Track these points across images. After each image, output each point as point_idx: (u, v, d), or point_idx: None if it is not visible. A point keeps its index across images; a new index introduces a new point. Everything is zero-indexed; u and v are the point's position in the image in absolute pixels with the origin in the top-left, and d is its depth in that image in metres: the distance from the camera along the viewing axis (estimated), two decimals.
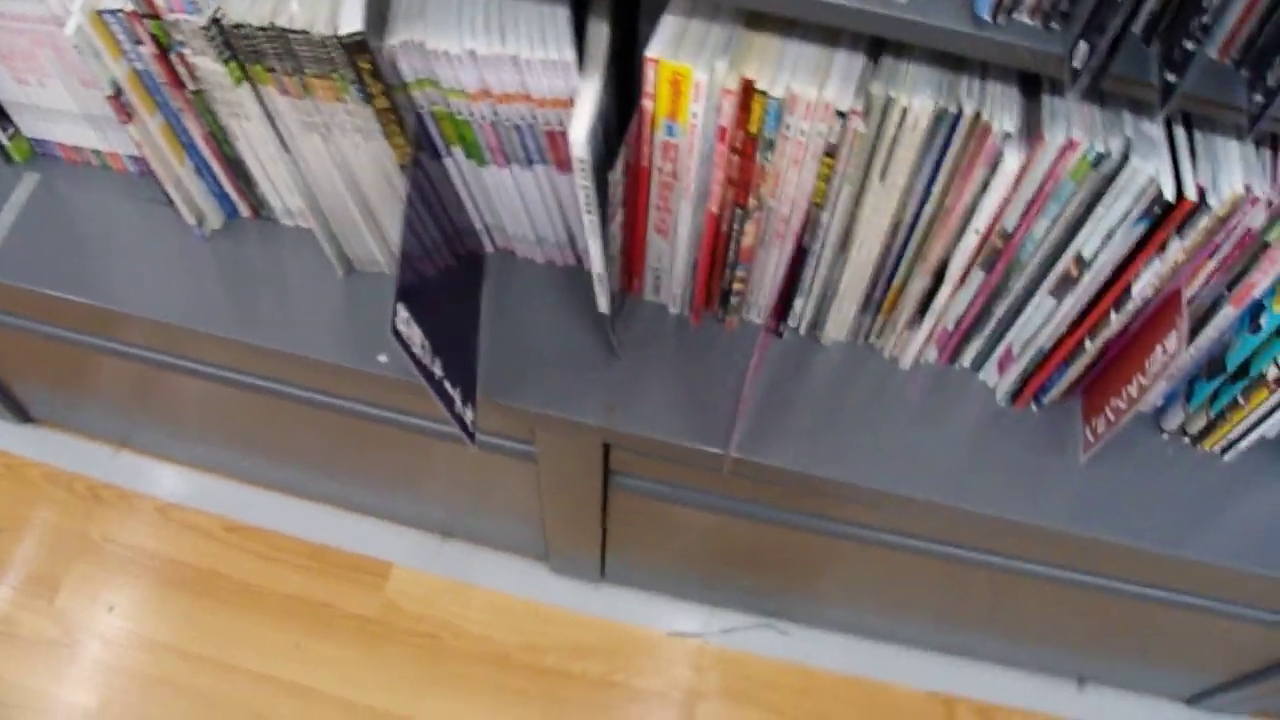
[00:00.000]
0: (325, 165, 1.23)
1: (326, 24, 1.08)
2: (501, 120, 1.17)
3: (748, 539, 1.59)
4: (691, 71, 1.04)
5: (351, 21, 1.08)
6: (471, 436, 1.22)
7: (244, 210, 1.44)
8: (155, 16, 1.15)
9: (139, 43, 1.19)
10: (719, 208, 1.19)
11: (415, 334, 1.13)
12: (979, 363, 1.37)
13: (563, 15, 1.10)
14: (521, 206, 1.30)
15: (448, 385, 1.19)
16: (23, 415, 1.96)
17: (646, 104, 1.08)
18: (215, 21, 1.10)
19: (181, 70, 1.22)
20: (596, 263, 1.20)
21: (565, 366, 1.33)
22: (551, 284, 1.40)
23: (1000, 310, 1.25)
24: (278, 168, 1.32)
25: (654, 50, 1.03)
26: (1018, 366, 1.31)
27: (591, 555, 1.80)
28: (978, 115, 1.03)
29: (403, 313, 1.11)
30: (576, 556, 1.85)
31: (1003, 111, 1.04)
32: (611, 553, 1.77)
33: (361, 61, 1.10)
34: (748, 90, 1.05)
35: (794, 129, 1.07)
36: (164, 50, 1.19)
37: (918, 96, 1.03)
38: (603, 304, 1.27)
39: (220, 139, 1.31)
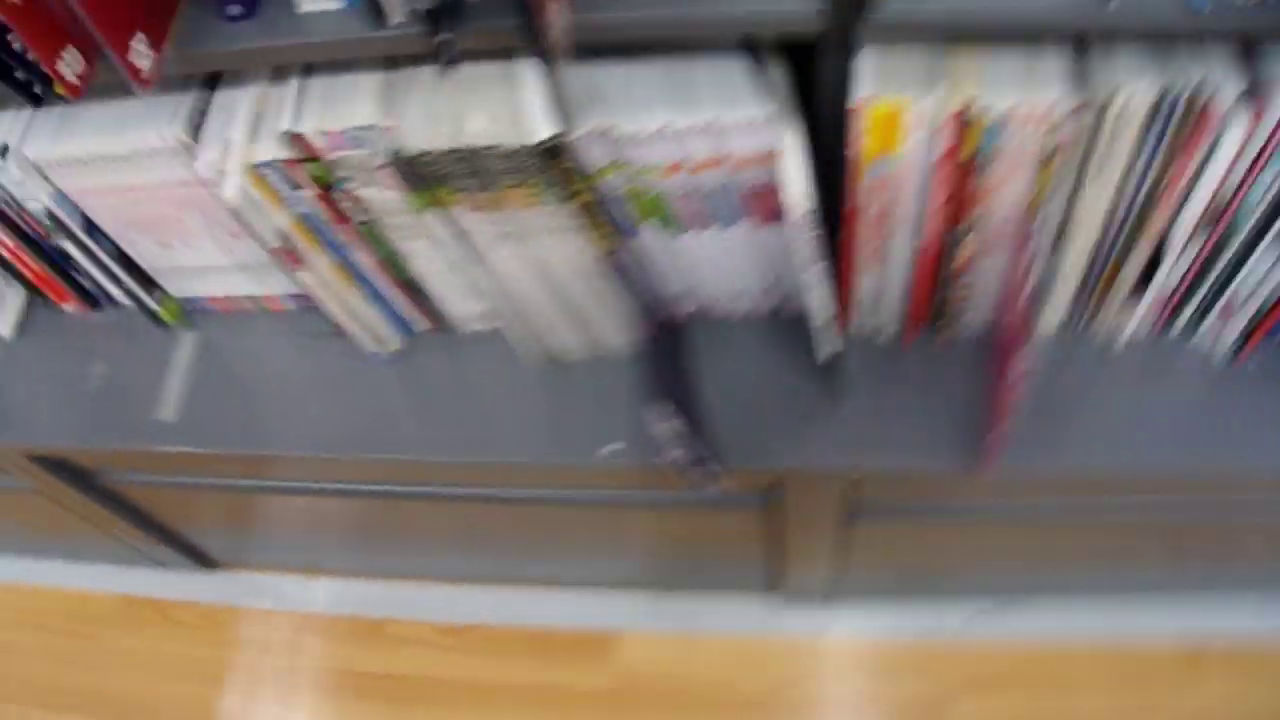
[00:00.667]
0: (520, 270, 1.21)
1: (516, 133, 1.04)
2: (697, 188, 1.13)
3: (991, 536, 1.56)
4: (908, 104, 0.99)
5: (542, 127, 1.04)
6: (720, 499, 1.20)
7: (422, 325, 1.40)
8: (314, 159, 1.12)
9: (299, 188, 1.16)
10: (935, 231, 1.14)
11: (668, 422, 1.11)
12: (1192, 327, 1.32)
13: (742, 68, 1.06)
14: (721, 266, 1.26)
15: (698, 458, 1.17)
16: (207, 562, 1.94)
17: (856, 146, 1.03)
18: (395, 155, 1.06)
19: (347, 205, 1.18)
20: (821, 311, 1.17)
21: (795, 416, 1.30)
22: (755, 335, 1.36)
23: (1218, 270, 1.19)
24: (462, 279, 1.30)
25: (864, 90, 0.98)
26: (1236, 324, 1.26)
27: (821, 581, 1.77)
28: (1197, 91, 0.97)
29: (657, 407, 1.10)
30: (804, 585, 1.81)
31: (1223, 82, 0.97)
32: (840, 573, 1.73)
33: (559, 162, 1.06)
34: (965, 111, 1.00)
35: (1013, 140, 1.02)
36: (327, 190, 1.16)
37: (1136, 84, 0.98)
38: (826, 349, 1.23)
39: (394, 263, 1.27)
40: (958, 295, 1.25)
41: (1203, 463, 1.26)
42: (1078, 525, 1.49)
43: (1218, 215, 1.11)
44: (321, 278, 1.25)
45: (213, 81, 1.19)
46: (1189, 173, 1.05)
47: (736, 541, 1.63)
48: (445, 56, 0.97)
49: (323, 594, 1.95)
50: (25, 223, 1.33)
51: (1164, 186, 1.08)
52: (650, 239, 1.21)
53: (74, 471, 1.55)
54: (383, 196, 1.15)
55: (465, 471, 1.39)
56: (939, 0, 0.93)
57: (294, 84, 1.12)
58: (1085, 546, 1.63)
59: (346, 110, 1.10)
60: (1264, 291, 1.20)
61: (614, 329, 1.30)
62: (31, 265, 1.39)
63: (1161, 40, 0.98)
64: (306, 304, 1.41)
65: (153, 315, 1.43)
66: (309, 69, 1.15)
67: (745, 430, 1.28)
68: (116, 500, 1.66)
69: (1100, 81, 0.99)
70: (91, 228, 1.31)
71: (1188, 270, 1.21)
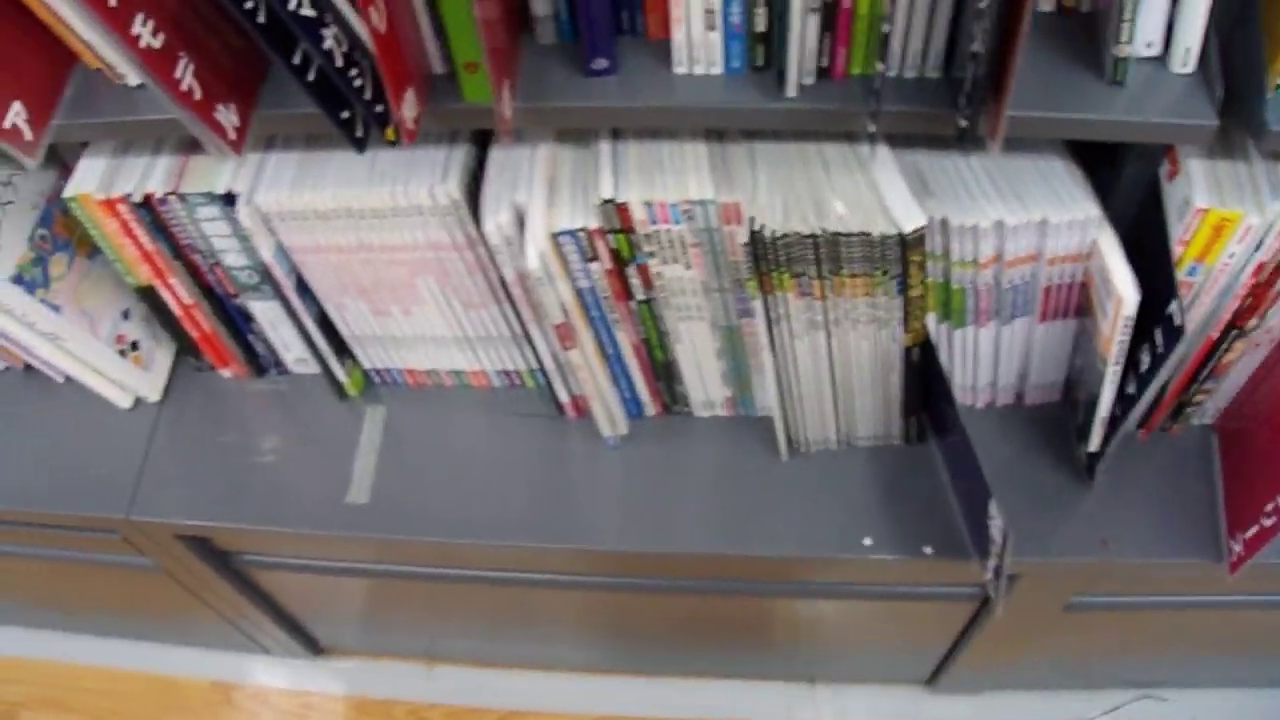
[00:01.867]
0: (814, 358, 1.15)
1: (885, 222, 0.99)
2: (1002, 283, 1.09)
3: (1184, 624, 1.52)
4: (1242, 216, 0.97)
5: (912, 216, 0.99)
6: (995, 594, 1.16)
7: (652, 409, 1.32)
8: (626, 231, 1.04)
9: (593, 259, 1.08)
10: (1217, 333, 1.12)
11: (997, 521, 1.08)
12: None
13: (1065, 169, 1.06)
14: (988, 359, 1.23)
15: (1000, 564, 1.12)
16: (315, 648, 1.79)
17: (1176, 250, 1.01)
18: (755, 234, 0.99)
19: (635, 282, 1.11)
20: (1106, 406, 1.14)
21: (1039, 507, 1.26)
22: (996, 425, 1.31)
23: None
24: (726, 364, 1.25)
25: (1201, 200, 0.97)
26: None
27: (990, 672, 1.71)
28: None
29: (991, 506, 1.08)
30: (969, 676, 1.74)
31: None
32: (1013, 663, 1.69)
33: (914, 255, 1.01)
34: None
35: None
36: (621, 264, 1.09)
37: None
38: (1095, 442, 1.19)
39: (656, 345, 1.20)
40: (1204, 390, 1.22)
41: None
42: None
43: None
44: (585, 357, 1.14)
45: (484, 138, 1.09)
46: None
47: (928, 634, 1.58)
48: (874, 136, 0.93)
49: (447, 683, 1.85)
50: (215, 277, 1.19)
51: None
52: (932, 331, 1.16)
53: (213, 552, 1.39)
54: (682, 275, 1.09)
55: (679, 563, 1.30)
56: None
57: (605, 148, 1.01)
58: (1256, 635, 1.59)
59: (676, 182, 1.02)
60: None
61: (874, 421, 1.25)
62: (202, 323, 1.26)
63: None
64: (514, 382, 1.34)
65: (337, 386, 1.29)
66: (616, 132, 1.06)
67: (982, 519, 1.19)
68: (245, 582, 1.51)
69: None
70: (303, 287, 1.15)
71: None
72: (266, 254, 1.12)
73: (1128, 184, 1.05)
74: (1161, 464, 1.28)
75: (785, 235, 0.98)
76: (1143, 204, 1.06)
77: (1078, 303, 1.12)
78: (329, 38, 0.83)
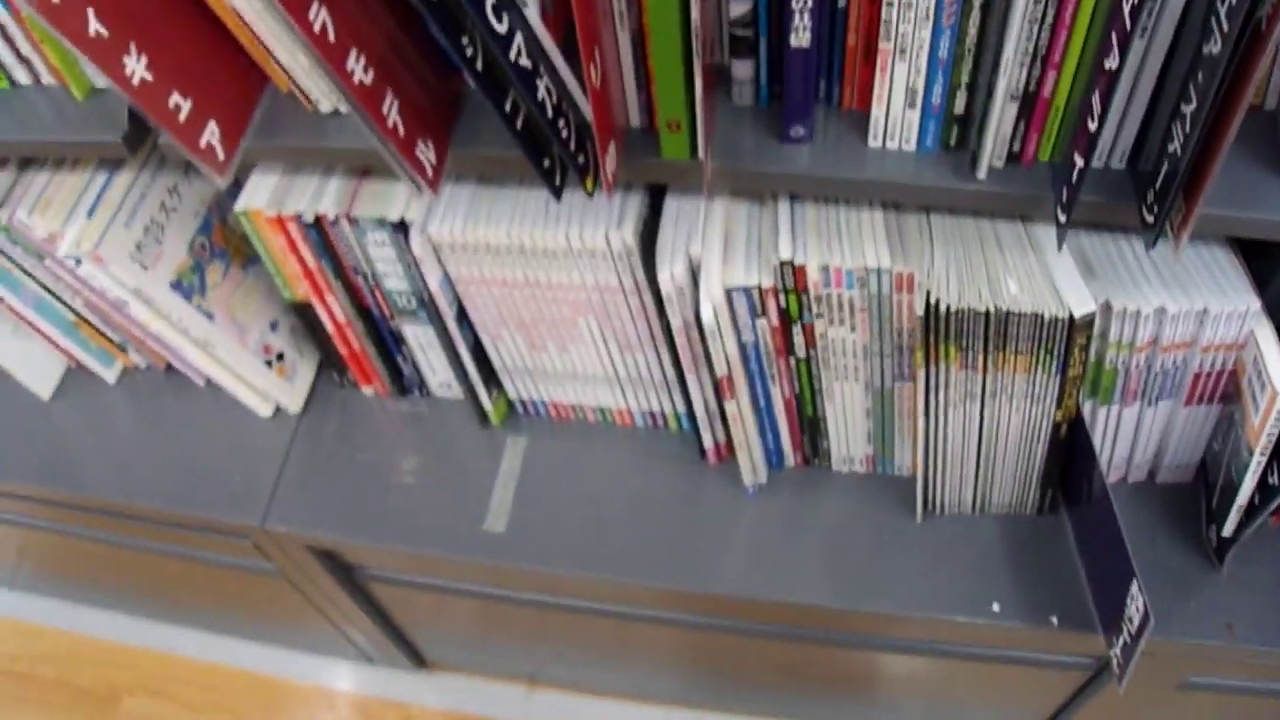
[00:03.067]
0: (965, 427, 1.16)
1: (1056, 305, 1.01)
2: (1154, 367, 1.11)
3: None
4: None
5: (1084, 302, 1.01)
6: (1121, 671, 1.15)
7: (792, 460, 1.33)
8: (799, 292, 1.07)
9: (760, 315, 1.10)
10: None
11: (1138, 602, 1.09)
12: None
13: (1227, 258, 1.07)
14: (1127, 437, 1.24)
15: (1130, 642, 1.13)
16: (420, 661, 1.78)
17: None
18: (931, 307, 1.01)
19: (799, 340, 1.13)
20: (1245, 493, 1.14)
21: (1167, 584, 1.26)
22: (1127, 501, 1.31)
23: None
24: (873, 425, 1.26)
25: None
26: None
27: None
28: None
29: (1134, 585, 1.08)
30: None
31: None
32: None
33: (1080, 338, 1.03)
34: None
35: None
36: (788, 322, 1.11)
37: None
38: (1229, 528, 1.20)
39: (806, 400, 1.22)
40: None
41: None
42: None
43: None
44: (740, 408, 1.16)
45: (657, 187, 1.12)
46: None
47: (1035, 700, 1.57)
48: (1062, 226, 0.93)
49: (542, 705, 1.88)
50: (374, 299, 1.21)
51: None
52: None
53: (339, 565, 1.41)
54: (846, 337, 1.11)
55: (801, 613, 1.31)
56: None
57: (784, 208, 1.03)
58: None
59: (853, 248, 1.04)
60: None
61: (1010, 491, 1.26)
62: (353, 342, 1.28)
63: None
64: (658, 423, 1.37)
65: (480, 412, 1.31)
66: (793, 193, 1.09)
67: (1117, 596, 1.20)
68: (364, 595, 1.53)
69: None
70: (462, 317, 1.18)
71: None
72: (433, 283, 1.14)
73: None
74: None
75: (959, 310, 1.00)
76: None
77: (1225, 389, 1.13)
78: (542, 88, 0.85)
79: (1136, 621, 1.07)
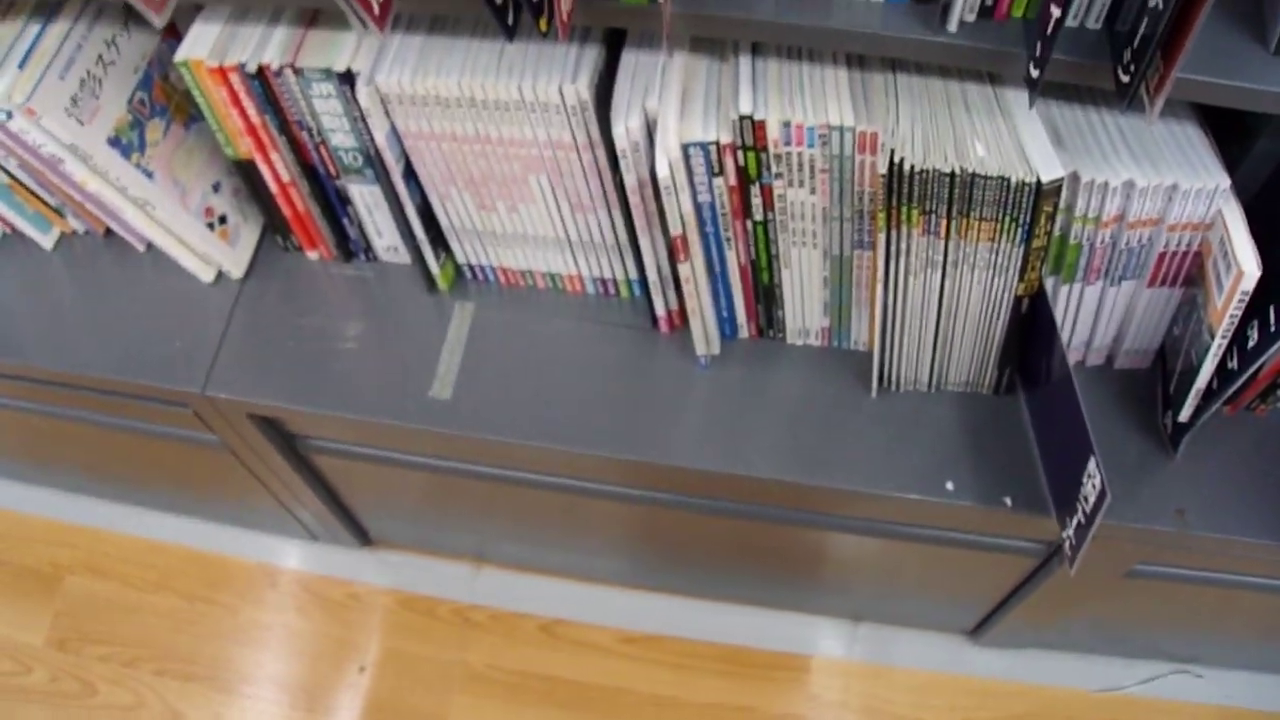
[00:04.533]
0: (925, 297, 1.13)
1: (1023, 169, 0.98)
2: (1119, 243, 1.09)
3: (1231, 601, 1.50)
4: None
5: (1052, 167, 0.98)
6: (1073, 552, 1.15)
7: (747, 331, 1.30)
8: (758, 149, 1.03)
9: (718, 174, 1.06)
10: None
11: (1094, 479, 1.08)
12: None
13: (1198, 136, 1.05)
14: (1088, 318, 1.22)
15: (1082, 526, 1.12)
16: (365, 539, 1.77)
17: None
18: (895, 166, 0.98)
19: (756, 201, 1.09)
20: (1204, 377, 1.13)
21: (1122, 471, 1.24)
22: (1083, 385, 1.23)
23: None
24: (827, 295, 1.23)
25: None
26: None
27: (1034, 629, 1.71)
28: None
29: (1090, 462, 1.07)
30: (1012, 632, 1.75)
31: None
32: (1053, 624, 1.70)
33: (1046, 206, 1.00)
34: None
35: None
36: (746, 182, 1.07)
37: None
38: (1186, 412, 1.19)
39: (762, 267, 1.19)
40: None
41: None
42: None
43: None
44: (694, 272, 1.13)
45: (614, 39, 1.08)
46: None
47: (983, 585, 1.58)
48: (1033, 83, 0.90)
49: (491, 585, 1.85)
50: (319, 156, 1.18)
51: None
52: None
53: (281, 434, 1.39)
54: (805, 199, 1.07)
55: (751, 486, 1.29)
56: None
57: (745, 62, 1.00)
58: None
59: (815, 105, 1.01)
60: None
61: (968, 368, 1.24)
62: (297, 202, 1.25)
63: None
64: (608, 290, 1.33)
65: (427, 277, 1.28)
66: (755, 47, 1.05)
67: (1072, 475, 1.19)
68: (308, 467, 1.52)
69: None
70: (409, 174, 1.15)
71: None
72: (380, 137, 1.11)
73: (1258, 158, 1.05)
74: (1245, 442, 1.28)
75: (924, 170, 0.97)
76: (1269, 180, 1.06)
77: (1188, 271, 1.11)
78: None
79: (1092, 500, 1.06)
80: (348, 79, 1.08)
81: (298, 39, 1.11)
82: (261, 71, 1.10)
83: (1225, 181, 1.01)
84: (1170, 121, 1.05)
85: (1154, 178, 1.01)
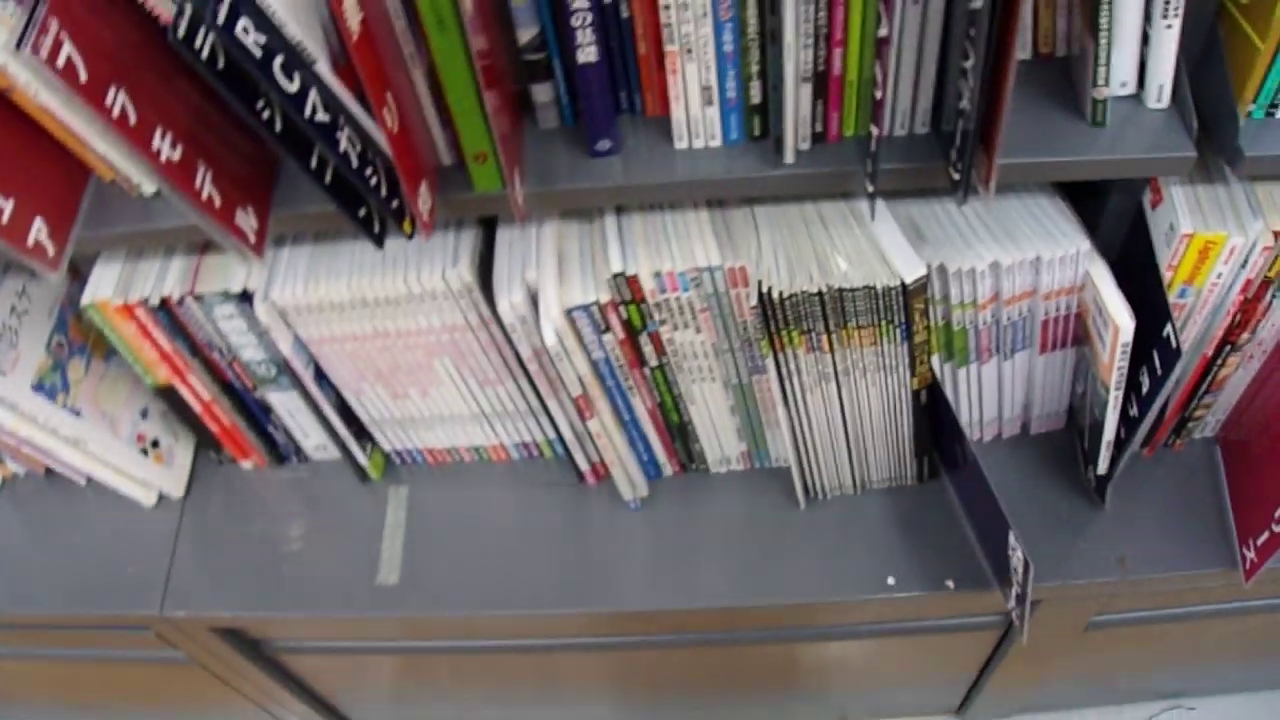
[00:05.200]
0: (827, 408, 1.17)
1: (886, 275, 1.02)
2: (1002, 320, 1.13)
3: (1196, 632, 1.54)
4: (1226, 238, 1.01)
5: (914, 267, 1.02)
6: (1020, 621, 1.18)
7: (670, 469, 1.34)
8: (638, 302, 1.07)
9: (605, 331, 1.10)
10: (1212, 350, 1.16)
11: (1018, 553, 1.10)
12: None
13: (1053, 205, 1.09)
14: (992, 393, 1.26)
15: (1023, 592, 1.14)
16: None
17: (1165, 275, 1.04)
18: (763, 296, 1.02)
19: (648, 350, 1.14)
20: (1110, 429, 1.17)
21: (1055, 531, 1.28)
22: (1005, 456, 1.35)
23: None
24: (740, 421, 1.27)
25: (1186, 226, 1.00)
26: None
27: (1018, 694, 1.73)
28: None
29: (1012, 537, 1.10)
30: (997, 703, 1.76)
31: None
32: (1038, 686, 1.71)
33: (917, 303, 1.04)
34: (1275, 240, 1.01)
35: None
36: (634, 333, 1.11)
37: None
38: (1103, 465, 1.21)
39: (669, 408, 1.22)
40: (1204, 405, 1.26)
41: None
42: None
43: None
44: (604, 425, 1.15)
45: (489, 218, 1.13)
46: None
47: (955, 663, 1.60)
48: (872, 195, 0.95)
49: None
50: (234, 372, 1.22)
51: None
52: (937, 371, 1.19)
53: (246, 642, 1.41)
54: (693, 339, 1.11)
55: (705, 617, 1.32)
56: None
57: (611, 222, 1.04)
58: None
59: (682, 250, 1.05)
60: None
61: (887, 464, 1.28)
62: (222, 418, 1.28)
63: None
64: (532, 453, 1.37)
65: (358, 469, 1.31)
66: (620, 205, 1.10)
67: (1002, 551, 1.22)
68: (277, 668, 1.53)
69: None
70: (321, 377, 1.18)
71: None
72: (285, 348, 1.14)
73: (1113, 214, 1.09)
74: (1169, 479, 1.31)
75: (793, 295, 1.01)
76: (1129, 232, 1.10)
77: (1075, 332, 1.15)
78: (344, 140, 0.85)
79: (1021, 571, 1.09)
80: (246, 298, 1.11)
81: (194, 266, 1.15)
82: (165, 303, 1.14)
83: (1085, 244, 1.05)
84: (1024, 196, 1.09)
85: (1017, 254, 1.05)
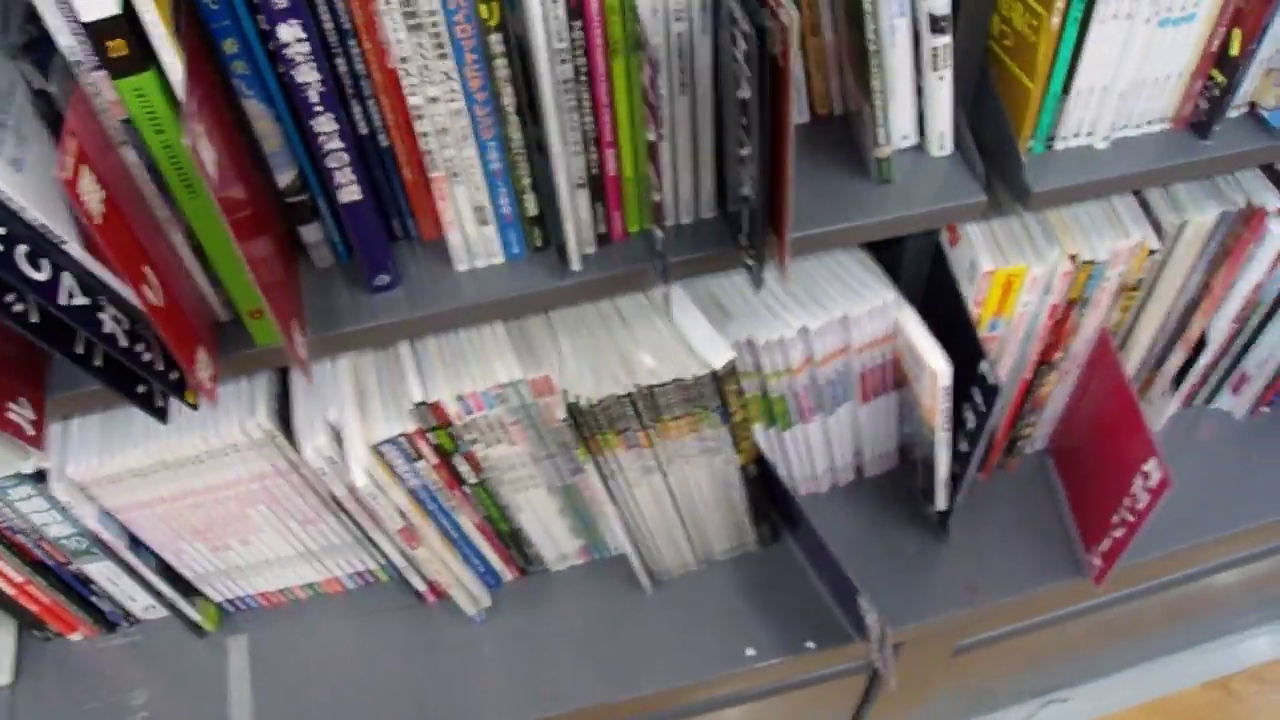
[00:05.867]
0: (655, 498, 1.17)
1: (694, 364, 1.01)
2: (819, 380, 1.13)
3: (1058, 634, 1.57)
4: (1027, 269, 1.03)
5: (719, 352, 1.02)
6: (885, 669, 1.20)
7: (509, 575, 1.32)
8: (444, 426, 1.05)
9: (417, 459, 1.08)
10: (1030, 374, 1.18)
11: (874, 612, 1.11)
12: (1211, 395, 1.40)
13: (854, 260, 1.11)
14: (821, 449, 1.27)
15: (882, 640, 1.15)
16: None
17: (974, 312, 1.07)
18: (571, 406, 1.01)
19: (464, 469, 1.11)
20: (943, 468, 1.18)
21: (904, 572, 1.29)
22: (844, 504, 1.36)
23: (1238, 347, 1.28)
24: (571, 520, 1.26)
25: (987, 264, 1.02)
26: (1253, 387, 1.34)
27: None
28: (1248, 204, 1.07)
29: (865, 597, 1.11)
30: None
31: (1264, 192, 1.09)
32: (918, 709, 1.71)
33: (730, 385, 1.03)
34: (1074, 266, 1.06)
35: (1109, 280, 1.08)
36: (446, 456, 1.09)
37: (1201, 211, 1.07)
38: (942, 501, 1.23)
39: (497, 519, 1.20)
40: (1029, 424, 1.28)
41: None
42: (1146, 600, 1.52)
43: (1245, 309, 1.19)
44: (433, 549, 1.14)
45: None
46: (1234, 273, 1.14)
47: (833, 711, 1.59)
48: (665, 295, 0.98)
49: None
50: (43, 550, 1.15)
51: (1210, 290, 1.16)
52: (762, 440, 1.20)
53: None
54: (508, 452, 1.09)
55: (580, 718, 1.28)
56: (1067, 172, 0.97)
57: (406, 350, 1.02)
58: (1141, 620, 1.66)
59: (482, 369, 1.03)
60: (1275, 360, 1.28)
61: (726, 536, 1.27)
62: (40, 596, 1.22)
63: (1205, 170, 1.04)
64: (367, 580, 1.33)
65: (191, 625, 1.26)
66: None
67: (854, 607, 1.23)
68: None
69: (1175, 215, 1.08)
70: (135, 543, 1.13)
71: (1214, 358, 1.28)
72: (91, 522, 1.09)
73: (913, 258, 1.10)
74: (1008, 499, 1.34)
75: (601, 400, 0.99)
76: (932, 268, 1.11)
77: (894, 377, 1.16)
78: (108, 321, 0.81)
79: (878, 629, 1.09)
80: (40, 477, 1.05)
81: None
82: None
83: (891, 294, 1.05)
84: (825, 259, 1.10)
85: (824, 315, 1.05)
